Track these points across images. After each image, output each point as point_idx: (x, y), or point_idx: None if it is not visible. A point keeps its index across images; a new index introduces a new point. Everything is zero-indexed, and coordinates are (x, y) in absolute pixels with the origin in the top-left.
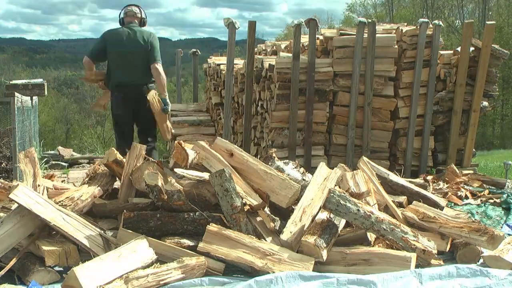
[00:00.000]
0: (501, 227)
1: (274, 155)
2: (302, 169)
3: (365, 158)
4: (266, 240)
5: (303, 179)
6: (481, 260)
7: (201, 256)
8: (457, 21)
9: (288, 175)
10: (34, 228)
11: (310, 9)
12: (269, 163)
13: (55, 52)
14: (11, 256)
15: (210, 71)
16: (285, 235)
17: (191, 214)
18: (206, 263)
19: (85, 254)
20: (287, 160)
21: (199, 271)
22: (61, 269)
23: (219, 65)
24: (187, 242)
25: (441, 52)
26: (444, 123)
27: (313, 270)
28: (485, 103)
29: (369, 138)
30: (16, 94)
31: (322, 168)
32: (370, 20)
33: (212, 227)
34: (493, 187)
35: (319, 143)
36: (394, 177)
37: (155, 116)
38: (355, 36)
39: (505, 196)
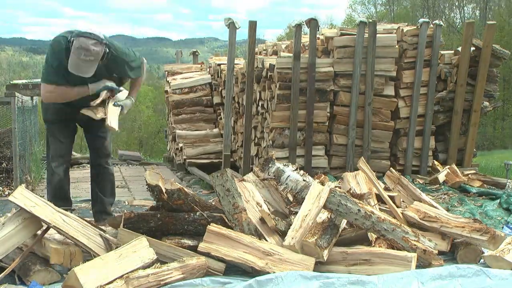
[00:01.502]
0: (502, 227)
1: (274, 157)
2: (302, 172)
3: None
4: (267, 240)
5: (304, 180)
6: (482, 260)
7: (202, 256)
8: (458, 21)
9: (289, 176)
10: (35, 230)
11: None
12: (269, 165)
13: None
14: (12, 256)
15: (211, 71)
16: (287, 241)
17: (192, 214)
18: (206, 263)
19: (87, 255)
20: (287, 163)
21: (199, 271)
22: (61, 269)
23: (219, 65)
24: (187, 242)
25: (442, 52)
26: (444, 123)
27: (314, 270)
28: (486, 103)
29: (369, 138)
30: (17, 94)
31: (315, 185)
32: (371, 20)
33: (213, 227)
34: (493, 187)
35: (319, 143)
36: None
37: None
38: (355, 36)
39: (505, 196)
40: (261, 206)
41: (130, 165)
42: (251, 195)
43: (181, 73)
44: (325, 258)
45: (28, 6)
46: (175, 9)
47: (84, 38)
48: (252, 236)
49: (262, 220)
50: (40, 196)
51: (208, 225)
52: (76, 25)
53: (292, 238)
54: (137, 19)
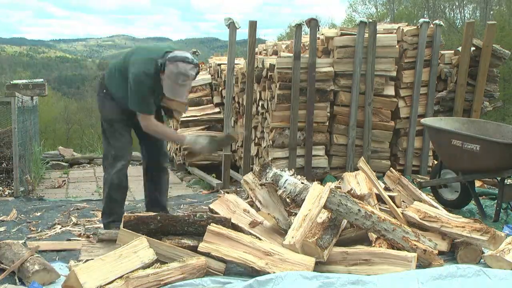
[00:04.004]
0: (502, 228)
1: (270, 163)
2: (299, 176)
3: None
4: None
5: (302, 183)
6: (482, 260)
7: (202, 256)
8: (458, 21)
9: (287, 180)
10: None
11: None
12: (267, 170)
13: (56, 51)
14: (12, 258)
15: (211, 71)
16: (287, 241)
17: (192, 215)
18: (206, 263)
19: None
20: (284, 168)
21: (199, 271)
22: (61, 269)
23: (219, 65)
24: (187, 242)
25: (442, 52)
26: None
27: (314, 270)
28: (486, 103)
29: (370, 138)
30: (17, 94)
31: (315, 186)
32: (371, 20)
33: (213, 227)
34: (493, 187)
35: (320, 143)
36: None
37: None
38: (356, 36)
39: None
40: (248, 212)
41: (130, 165)
42: (235, 205)
43: None
44: (326, 258)
45: (22, 7)
46: (161, 10)
47: (183, 64)
48: (252, 236)
49: (252, 224)
50: (41, 197)
51: (208, 225)
52: (72, 25)
53: (292, 237)
54: (129, 20)
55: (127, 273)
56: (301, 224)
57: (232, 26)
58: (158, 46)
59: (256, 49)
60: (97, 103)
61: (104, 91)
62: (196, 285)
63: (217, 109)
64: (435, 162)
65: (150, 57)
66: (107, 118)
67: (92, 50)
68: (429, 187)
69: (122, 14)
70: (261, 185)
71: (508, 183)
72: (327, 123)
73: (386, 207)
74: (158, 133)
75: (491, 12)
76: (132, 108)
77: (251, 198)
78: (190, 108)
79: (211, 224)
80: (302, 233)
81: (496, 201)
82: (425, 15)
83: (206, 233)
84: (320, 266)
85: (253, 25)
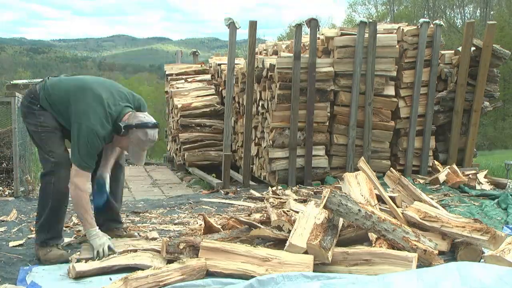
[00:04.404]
0: (502, 228)
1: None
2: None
3: (361, 164)
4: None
5: None
6: (482, 260)
7: (202, 257)
8: (458, 21)
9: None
10: None
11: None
12: None
13: (56, 51)
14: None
15: (211, 71)
16: (289, 245)
17: None
18: (206, 265)
19: None
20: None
21: (199, 272)
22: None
23: (219, 65)
24: None
25: (442, 52)
26: (445, 123)
27: (315, 270)
28: (486, 103)
29: (370, 138)
30: (17, 94)
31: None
32: (371, 20)
33: (206, 242)
34: (494, 187)
35: (320, 143)
36: None
37: None
38: (356, 36)
39: (503, 196)
40: None
41: (130, 165)
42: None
43: (182, 76)
44: (330, 259)
45: (21, 7)
46: (161, 10)
47: (151, 130)
48: (247, 245)
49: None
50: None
51: (202, 242)
52: (71, 25)
53: (301, 234)
54: (129, 20)
55: (126, 275)
56: (306, 221)
57: (232, 26)
58: (119, 94)
59: (256, 49)
60: (25, 112)
61: (39, 106)
62: (197, 286)
63: None
64: (435, 162)
65: (110, 111)
66: (44, 125)
67: (92, 50)
68: (429, 187)
69: (122, 14)
70: None
71: None
72: (327, 123)
73: (386, 207)
74: (77, 199)
75: (491, 12)
76: (72, 159)
77: None
78: None
79: (203, 240)
80: (309, 231)
81: (496, 201)
82: (425, 15)
83: (200, 250)
84: (320, 266)
85: (253, 25)
